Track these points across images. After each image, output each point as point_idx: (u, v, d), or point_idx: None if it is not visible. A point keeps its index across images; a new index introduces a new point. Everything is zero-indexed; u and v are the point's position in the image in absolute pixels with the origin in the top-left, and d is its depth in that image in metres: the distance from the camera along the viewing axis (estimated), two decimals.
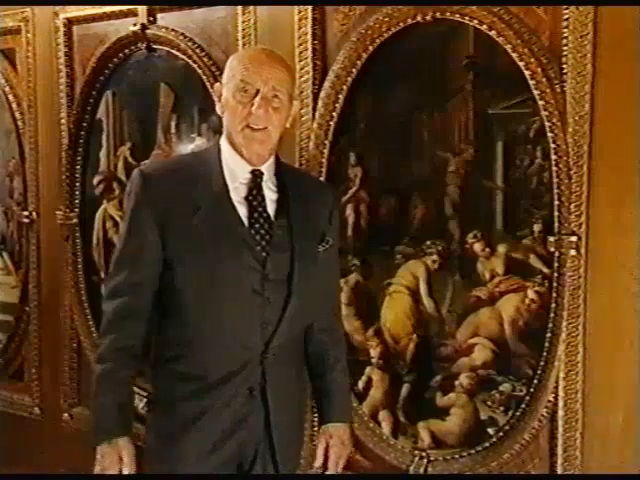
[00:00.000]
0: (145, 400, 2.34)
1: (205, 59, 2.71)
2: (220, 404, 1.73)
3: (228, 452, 1.76)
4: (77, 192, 3.17)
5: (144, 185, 1.73)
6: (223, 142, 1.78)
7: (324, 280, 1.86)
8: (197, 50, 2.74)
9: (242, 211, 1.74)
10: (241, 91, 1.70)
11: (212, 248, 1.70)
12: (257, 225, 1.74)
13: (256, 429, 1.76)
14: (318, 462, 1.91)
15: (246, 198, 1.75)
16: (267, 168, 1.79)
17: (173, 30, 2.80)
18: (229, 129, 1.76)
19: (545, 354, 2.20)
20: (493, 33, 2.21)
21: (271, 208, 1.78)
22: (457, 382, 2.36)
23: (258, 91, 1.69)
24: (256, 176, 1.76)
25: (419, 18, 2.31)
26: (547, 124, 2.14)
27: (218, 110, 1.79)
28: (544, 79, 2.13)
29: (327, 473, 1.93)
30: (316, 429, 2.59)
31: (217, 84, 1.81)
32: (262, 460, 1.78)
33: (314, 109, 2.50)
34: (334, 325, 1.99)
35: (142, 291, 1.75)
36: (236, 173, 1.76)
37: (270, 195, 1.79)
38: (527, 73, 2.15)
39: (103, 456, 1.72)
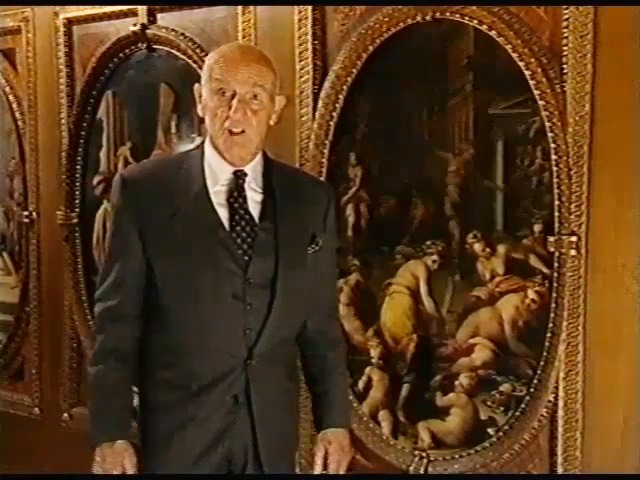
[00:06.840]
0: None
1: (205, 59, 2.70)
2: (205, 412, 1.70)
3: (215, 461, 1.72)
4: (77, 192, 3.17)
5: (123, 188, 1.72)
6: (207, 143, 1.74)
7: (314, 283, 1.80)
8: (197, 50, 2.74)
9: (223, 214, 1.70)
10: (218, 93, 1.66)
11: (190, 252, 1.67)
12: (238, 228, 1.69)
13: (243, 437, 1.73)
14: (317, 470, 1.84)
15: (227, 200, 1.71)
16: (251, 168, 1.74)
17: (173, 30, 2.80)
18: (210, 132, 1.72)
19: (545, 354, 2.20)
20: (493, 33, 2.21)
21: (255, 210, 1.73)
22: (457, 382, 2.36)
23: (235, 93, 1.64)
24: (238, 177, 1.72)
25: (419, 18, 2.31)
26: (547, 124, 2.14)
27: (199, 111, 1.74)
28: (544, 79, 2.12)
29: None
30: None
31: (197, 84, 1.76)
32: (251, 467, 1.75)
33: (314, 109, 2.50)
34: (331, 327, 1.94)
35: (128, 293, 1.73)
36: (217, 175, 1.71)
37: (254, 196, 1.74)
38: (527, 73, 2.15)
39: (104, 458, 1.70)
